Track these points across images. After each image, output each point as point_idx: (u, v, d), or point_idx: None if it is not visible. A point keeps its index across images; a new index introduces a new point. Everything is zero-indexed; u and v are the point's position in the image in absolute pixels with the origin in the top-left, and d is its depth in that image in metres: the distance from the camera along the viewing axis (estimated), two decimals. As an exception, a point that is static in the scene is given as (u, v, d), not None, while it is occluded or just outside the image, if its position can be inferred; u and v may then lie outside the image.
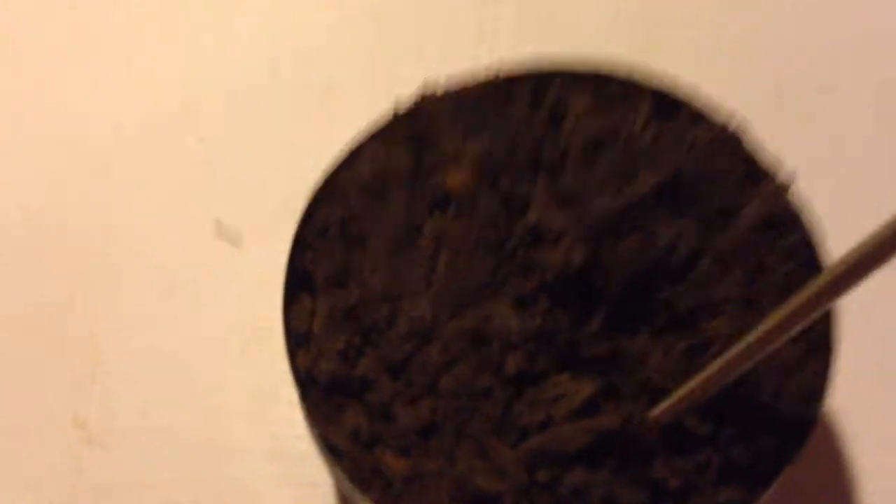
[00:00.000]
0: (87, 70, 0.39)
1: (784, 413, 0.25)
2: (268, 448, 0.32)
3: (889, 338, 0.33)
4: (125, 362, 0.33)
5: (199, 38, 0.40)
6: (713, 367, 0.22)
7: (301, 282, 0.27)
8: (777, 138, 0.29)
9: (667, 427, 0.24)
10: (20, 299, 0.35)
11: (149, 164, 0.37)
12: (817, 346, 0.26)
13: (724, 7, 0.39)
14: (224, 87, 0.38)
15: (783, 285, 0.27)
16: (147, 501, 0.31)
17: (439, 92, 0.29)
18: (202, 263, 0.35)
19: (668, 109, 0.29)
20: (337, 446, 0.25)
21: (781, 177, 0.28)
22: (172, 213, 0.36)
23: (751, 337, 0.21)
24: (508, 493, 0.24)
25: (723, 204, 0.27)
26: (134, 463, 0.32)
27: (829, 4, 0.39)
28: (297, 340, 0.26)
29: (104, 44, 0.40)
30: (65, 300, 0.35)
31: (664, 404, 0.24)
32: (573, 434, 0.24)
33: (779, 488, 0.25)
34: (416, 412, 0.25)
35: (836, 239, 0.27)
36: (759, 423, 0.25)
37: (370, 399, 0.25)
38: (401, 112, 0.29)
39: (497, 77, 0.29)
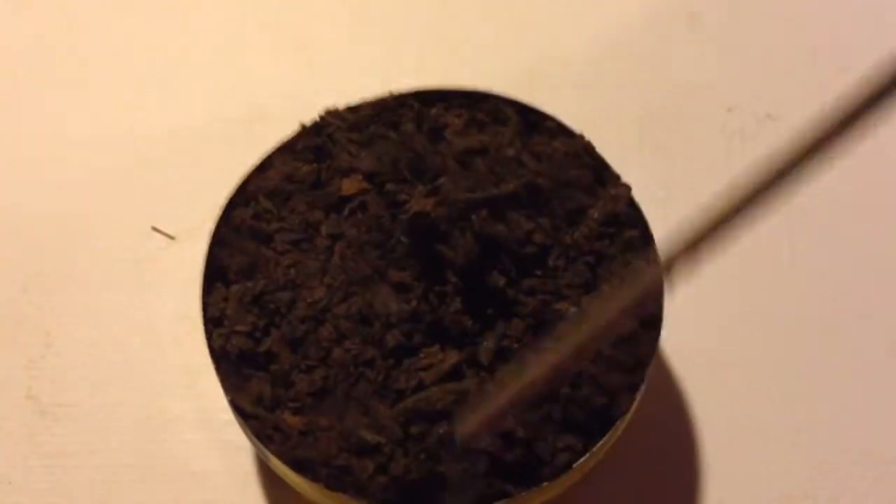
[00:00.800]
0: (46, 97, 0.44)
1: (617, 376, 0.30)
2: (197, 418, 0.37)
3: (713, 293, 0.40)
4: (73, 344, 0.38)
5: (149, 77, 0.45)
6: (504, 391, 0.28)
7: (217, 273, 0.32)
8: (624, 155, 0.35)
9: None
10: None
11: (97, 174, 0.42)
12: (647, 323, 0.32)
13: (592, 50, 0.45)
14: (169, 118, 0.44)
15: (621, 273, 0.32)
16: (93, 466, 0.36)
17: (339, 113, 0.35)
18: (141, 259, 0.40)
19: (531, 126, 0.35)
20: (244, 409, 0.30)
21: (623, 183, 0.34)
22: (117, 218, 0.41)
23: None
24: (387, 443, 0.29)
25: (574, 205, 0.33)
26: (81, 432, 0.37)
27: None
28: (213, 322, 0.31)
29: (62, 76, 0.45)
30: (19, 290, 0.39)
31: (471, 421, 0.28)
32: (440, 395, 0.29)
33: (627, 431, 0.30)
34: (311, 379, 0.30)
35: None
36: (595, 385, 0.30)
37: (273, 370, 0.30)
38: (305, 129, 0.34)
39: (387, 100, 0.34)
